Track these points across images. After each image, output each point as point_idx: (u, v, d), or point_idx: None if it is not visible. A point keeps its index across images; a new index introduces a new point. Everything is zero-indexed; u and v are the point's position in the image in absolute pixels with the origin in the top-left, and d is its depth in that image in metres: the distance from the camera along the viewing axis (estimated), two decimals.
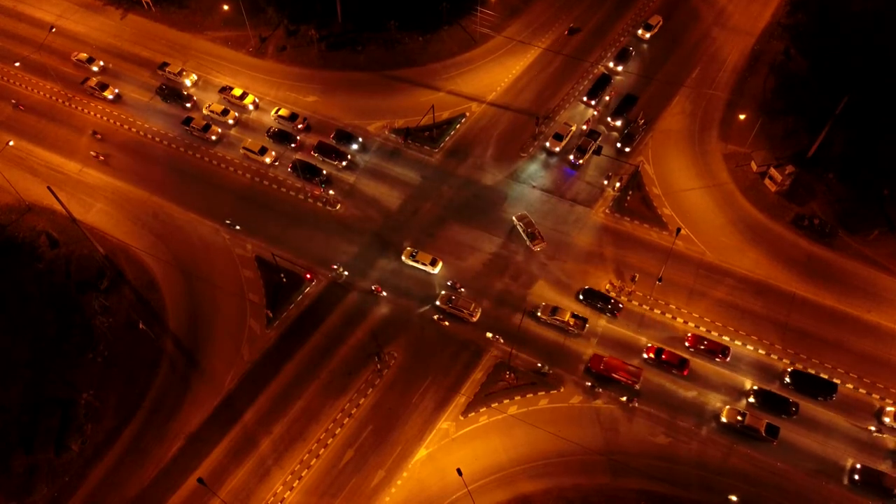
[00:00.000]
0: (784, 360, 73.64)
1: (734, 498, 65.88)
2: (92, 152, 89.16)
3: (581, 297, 77.34)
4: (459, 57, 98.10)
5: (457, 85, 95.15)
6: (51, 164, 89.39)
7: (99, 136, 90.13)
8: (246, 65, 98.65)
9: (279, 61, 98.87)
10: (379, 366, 74.12)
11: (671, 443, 69.84)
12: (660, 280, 76.88)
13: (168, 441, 70.95)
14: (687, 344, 73.98)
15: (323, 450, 70.17)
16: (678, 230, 78.62)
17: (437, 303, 77.17)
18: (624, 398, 71.49)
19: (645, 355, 73.73)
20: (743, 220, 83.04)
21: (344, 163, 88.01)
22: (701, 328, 75.60)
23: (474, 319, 76.25)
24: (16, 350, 73.43)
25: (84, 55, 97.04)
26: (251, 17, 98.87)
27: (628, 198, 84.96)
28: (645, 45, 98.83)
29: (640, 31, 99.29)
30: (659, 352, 73.12)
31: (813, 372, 72.28)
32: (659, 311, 76.89)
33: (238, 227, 74.83)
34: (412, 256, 79.75)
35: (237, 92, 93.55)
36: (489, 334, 75.14)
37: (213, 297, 79.12)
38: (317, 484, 68.58)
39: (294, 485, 68.56)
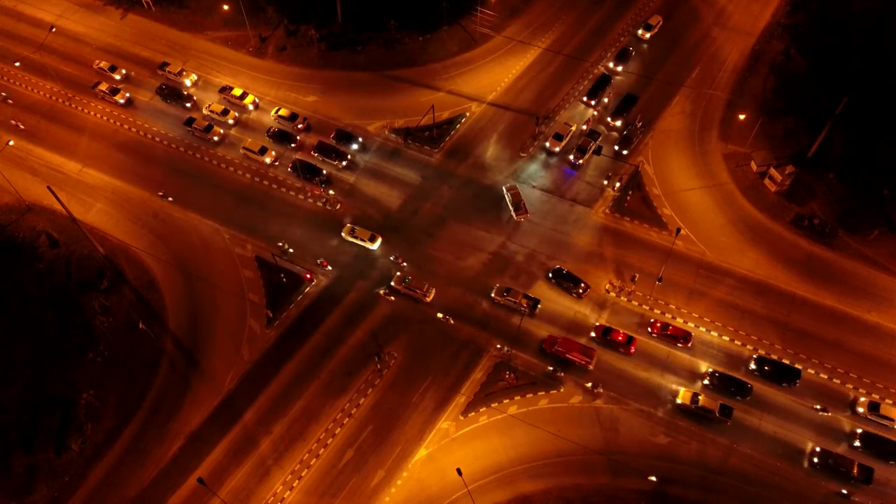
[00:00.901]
0: (748, 347, 73.98)
1: (653, 478, 66.38)
2: (13, 121, 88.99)
3: (550, 276, 78.12)
4: (459, 57, 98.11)
5: (457, 85, 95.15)
6: (51, 164, 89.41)
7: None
8: (246, 65, 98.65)
9: (279, 61, 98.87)
10: (379, 366, 74.13)
11: (671, 442, 69.85)
12: (660, 280, 76.89)
13: (168, 441, 70.95)
14: (650, 330, 74.88)
15: (323, 450, 70.18)
16: (678, 230, 78.61)
17: (392, 283, 78.14)
18: (589, 384, 72.06)
19: (593, 334, 74.65)
20: (743, 220, 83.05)
21: (344, 163, 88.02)
22: (701, 328, 75.64)
23: (428, 300, 77.12)
24: (16, 350, 73.44)
25: (105, 63, 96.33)
26: (251, 17, 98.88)
27: (628, 198, 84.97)
28: (645, 45, 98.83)
29: (640, 31, 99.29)
30: (606, 330, 74.01)
31: (776, 358, 72.95)
32: (659, 312, 76.88)
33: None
34: (352, 233, 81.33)
35: (237, 92, 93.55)
36: (440, 315, 76.07)
37: (213, 297, 79.13)
38: (317, 484, 68.59)
39: (294, 485, 68.57)
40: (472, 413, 71.61)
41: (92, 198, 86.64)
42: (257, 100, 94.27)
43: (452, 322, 76.09)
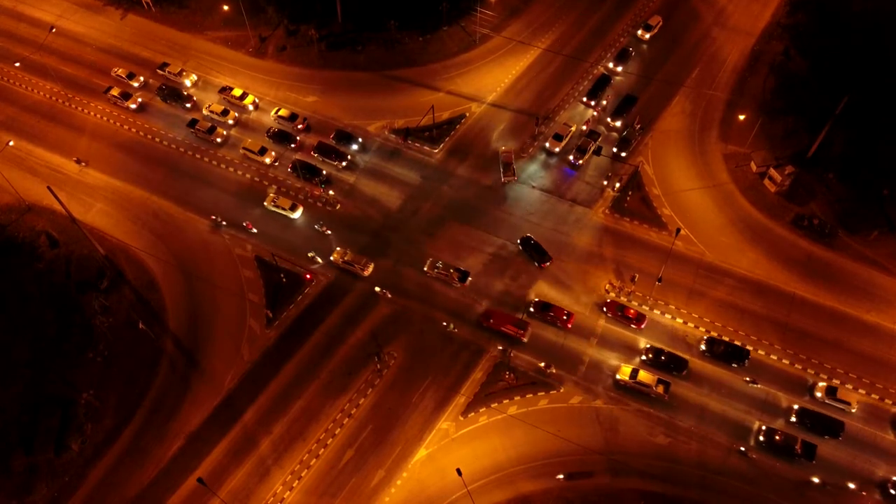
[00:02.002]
0: (712, 333, 74.66)
1: (560, 476, 66.99)
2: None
3: (519, 243, 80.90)
4: (459, 57, 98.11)
5: (457, 85, 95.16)
6: (51, 164, 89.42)
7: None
8: (246, 65, 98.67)
9: (279, 61, 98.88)
10: (379, 366, 74.14)
11: (671, 443, 69.87)
12: (659, 280, 76.89)
13: (168, 441, 70.97)
14: (605, 310, 76.14)
15: (323, 450, 70.20)
16: (678, 230, 78.61)
17: (332, 258, 79.62)
18: (542, 364, 73.32)
19: (532, 309, 76.01)
20: (743, 221, 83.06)
21: (344, 163, 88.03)
22: (700, 328, 75.64)
23: (366, 273, 78.76)
24: (16, 350, 73.49)
25: (123, 71, 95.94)
26: (251, 17, 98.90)
27: (628, 198, 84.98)
28: (645, 46, 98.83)
29: (639, 32, 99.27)
30: (545, 305, 75.62)
31: (727, 339, 73.75)
32: (659, 312, 76.89)
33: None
34: (274, 202, 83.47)
35: (237, 92, 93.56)
36: (377, 289, 77.66)
37: (213, 297, 79.15)
38: (317, 484, 68.61)
39: (294, 485, 68.58)
40: (472, 413, 71.63)
41: (92, 198, 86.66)
42: (257, 100, 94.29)
43: (390, 296, 77.74)
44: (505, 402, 72.17)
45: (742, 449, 68.87)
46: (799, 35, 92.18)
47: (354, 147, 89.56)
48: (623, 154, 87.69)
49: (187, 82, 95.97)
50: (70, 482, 69.49)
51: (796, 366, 73.32)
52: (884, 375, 72.55)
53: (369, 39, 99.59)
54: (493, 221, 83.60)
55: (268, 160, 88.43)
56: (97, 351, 76.07)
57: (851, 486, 67.00)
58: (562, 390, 72.75)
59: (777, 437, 68.33)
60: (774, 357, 73.76)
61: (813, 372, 72.83)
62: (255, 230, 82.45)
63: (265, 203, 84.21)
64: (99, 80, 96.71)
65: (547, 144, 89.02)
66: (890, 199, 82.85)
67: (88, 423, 72.34)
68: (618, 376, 72.30)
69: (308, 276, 79.53)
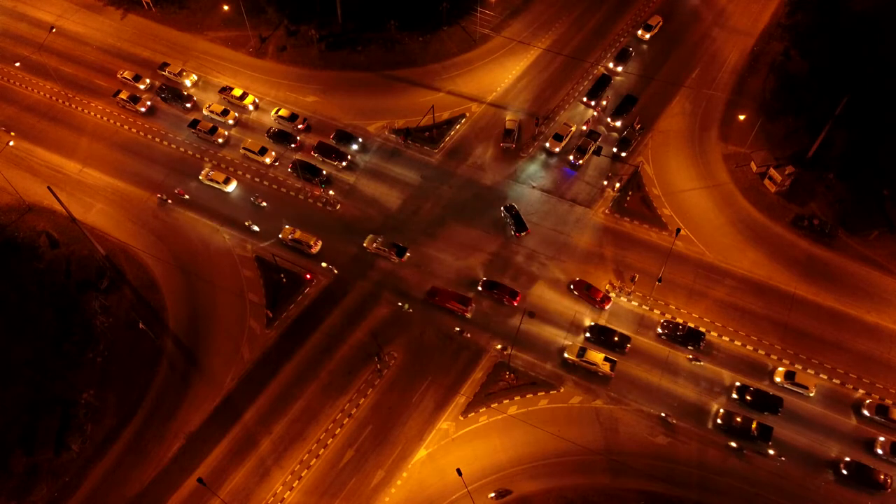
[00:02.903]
0: (748, 347, 74.25)
1: (491, 495, 67.35)
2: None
3: (503, 209, 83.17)
4: (459, 57, 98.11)
5: (457, 85, 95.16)
6: (51, 164, 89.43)
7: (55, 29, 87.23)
8: (246, 65, 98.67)
9: (279, 61, 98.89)
10: (379, 366, 74.14)
11: (671, 443, 69.88)
12: (660, 280, 76.86)
13: (168, 441, 71.00)
14: (572, 287, 77.61)
15: (323, 450, 70.20)
16: (678, 230, 78.64)
17: (280, 236, 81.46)
18: (500, 346, 74.45)
19: (479, 287, 77.52)
20: (743, 221, 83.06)
21: (344, 163, 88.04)
22: (700, 328, 75.66)
23: (314, 251, 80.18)
24: (16, 349, 73.40)
25: (129, 73, 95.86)
26: (251, 17, 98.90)
27: (628, 198, 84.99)
28: (645, 46, 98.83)
29: (640, 32, 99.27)
30: (492, 284, 77.31)
31: (681, 321, 75.15)
32: (659, 312, 76.89)
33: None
34: (208, 176, 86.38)
35: (237, 92, 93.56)
36: (324, 264, 79.46)
37: (213, 297, 79.15)
38: (317, 484, 68.61)
39: (294, 485, 68.58)
40: (472, 413, 71.64)
41: (92, 198, 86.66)
42: (257, 100, 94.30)
43: (336, 272, 79.53)
44: (505, 402, 72.18)
45: (669, 419, 70.53)
46: (799, 35, 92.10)
47: (354, 147, 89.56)
48: (623, 154, 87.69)
49: (187, 82, 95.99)
50: (70, 482, 69.52)
51: (759, 351, 74.32)
52: (884, 375, 72.57)
53: (369, 40, 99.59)
54: (494, 221, 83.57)
55: (268, 160, 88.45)
56: (97, 351, 76.08)
57: (805, 466, 68.33)
58: (562, 390, 72.76)
59: (737, 420, 69.34)
60: (737, 343, 74.76)
61: (766, 354, 74.01)
62: (186, 196, 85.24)
63: (199, 177, 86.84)
64: (99, 81, 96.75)
65: (547, 144, 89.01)
66: (890, 199, 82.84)
67: (88, 423, 72.35)
68: (566, 355, 73.31)
69: (308, 276, 79.55)
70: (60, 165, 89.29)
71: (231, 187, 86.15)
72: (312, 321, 77.28)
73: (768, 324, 75.82)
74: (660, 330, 74.90)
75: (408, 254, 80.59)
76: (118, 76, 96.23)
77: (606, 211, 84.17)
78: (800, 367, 72.92)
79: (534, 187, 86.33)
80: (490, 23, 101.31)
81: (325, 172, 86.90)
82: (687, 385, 72.64)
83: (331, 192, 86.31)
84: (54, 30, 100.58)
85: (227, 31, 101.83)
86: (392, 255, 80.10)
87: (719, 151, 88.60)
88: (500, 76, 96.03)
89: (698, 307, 77.09)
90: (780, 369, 72.19)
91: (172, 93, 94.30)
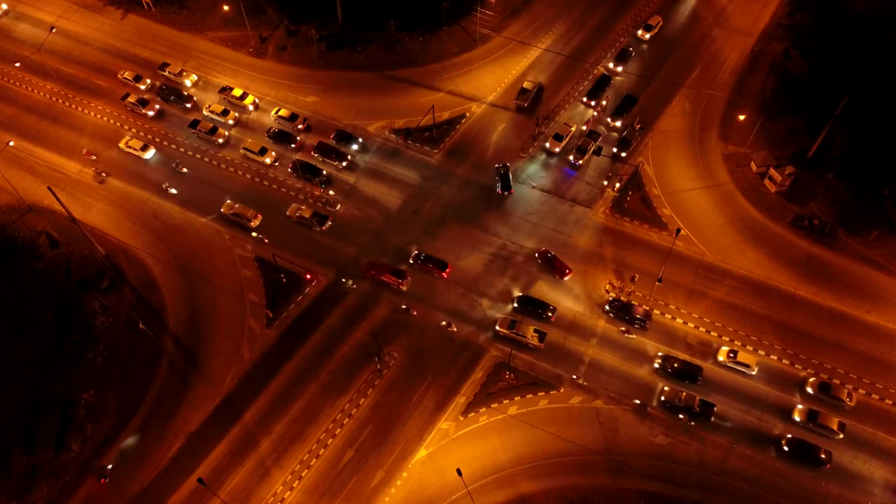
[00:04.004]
0: (612, 294, 74.17)
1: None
2: (84, 151, 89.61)
3: (497, 167, 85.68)
4: (459, 57, 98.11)
5: (457, 85, 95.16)
6: (51, 164, 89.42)
7: (94, 157, 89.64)
8: (246, 65, 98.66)
9: (279, 61, 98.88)
10: (379, 366, 74.14)
11: (671, 443, 69.89)
12: (660, 280, 76.84)
13: (168, 441, 70.99)
14: (537, 255, 79.88)
15: (323, 450, 70.20)
16: (678, 230, 78.65)
17: (222, 210, 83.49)
18: (404, 306, 76.99)
19: (411, 260, 79.85)
20: (743, 221, 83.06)
21: (344, 163, 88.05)
22: (701, 328, 75.66)
23: (253, 224, 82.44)
24: (16, 349, 73.38)
25: (130, 74, 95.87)
26: (251, 17, 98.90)
27: (628, 198, 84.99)
28: (645, 46, 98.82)
29: (640, 32, 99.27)
30: (426, 258, 79.70)
31: (626, 300, 76.86)
32: (658, 312, 76.90)
33: (354, 286, 79.26)
34: (126, 144, 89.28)
35: (237, 92, 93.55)
36: (254, 234, 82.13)
37: (213, 297, 79.16)
38: (317, 484, 68.62)
39: (294, 485, 68.59)
40: (472, 413, 71.65)
41: (92, 198, 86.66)
42: (257, 100, 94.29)
43: (266, 241, 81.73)
44: (505, 402, 72.18)
45: (641, 404, 71.54)
46: (799, 35, 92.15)
47: (355, 147, 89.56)
48: (623, 154, 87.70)
49: (187, 82, 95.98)
50: (70, 482, 69.49)
51: (700, 328, 75.69)
52: (884, 375, 72.57)
53: (369, 40, 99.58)
54: (493, 221, 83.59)
55: (268, 160, 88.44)
56: (97, 351, 76.08)
57: (749, 443, 69.66)
58: (562, 390, 72.79)
59: (679, 400, 70.45)
60: (683, 322, 76.31)
61: (706, 332, 75.42)
62: (94, 157, 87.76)
63: (119, 144, 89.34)
64: (99, 81, 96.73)
65: (547, 144, 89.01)
66: (890, 199, 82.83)
67: (88, 423, 72.35)
68: (497, 328, 74.59)
69: (308, 276, 79.56)
70: (60, 165, 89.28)
71: (149, 154, 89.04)
72: (312, 321, 77.29)
73: (768, 324, 75.82)
74: (607, 307, 76.43)
75: (329, 222, 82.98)
76: (118, 76, 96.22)
77: (606, 211, 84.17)
78: (740, 345, 74.51)
79: (534, 187, 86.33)
80: (490, 23, 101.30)
81: (325, 172, 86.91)
82: (614, 355, 74.22)
83: (331, 192, 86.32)
84: (54, 30, 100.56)
85: (227, 31, 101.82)
86: (315, 224, 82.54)
87: (719, 151, 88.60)
88: (500, 76, 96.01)
89: (698, 307, 77.08)
90: (724, 348, 73.45)
91: (173, 93, 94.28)
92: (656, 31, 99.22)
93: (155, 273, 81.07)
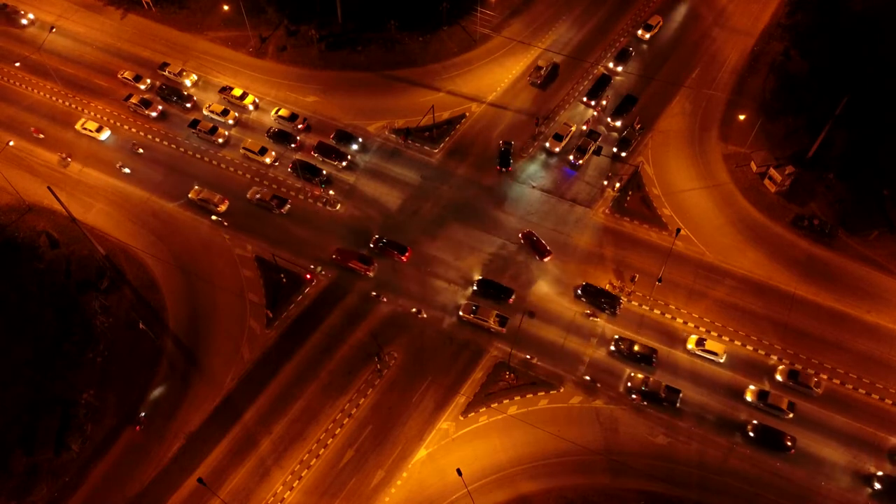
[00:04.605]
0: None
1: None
2: (32, 129, 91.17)
3: (501, 143, 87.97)
4: (459, 57, 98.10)
5: (457, 85, 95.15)
6: (51, 164, 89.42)
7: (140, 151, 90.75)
8: (246, 65, 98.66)
9: (279, 61, 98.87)
10: (379, 366, 74.14)
11: (671, 443, 69.89)
12: (660, 280, 76.88)
13: (168, 441, 70.98)
14: (520, 235, 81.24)
15: (323, 450, 70.21)
16: (678, 230, 78.65)
17: (189, 196, 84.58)
18: (374, 293, 78.13)
19: (371, 244, 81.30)
20: (743, 221, 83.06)
21: (344, 163, 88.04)
22: (701, 328, 75.67)
23: (221, 209, 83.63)
24: (16, 349, 73.38)
25: (129, 73, 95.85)
26: (251, 17, 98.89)
27: (628, 198, 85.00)
28: (645, 45, 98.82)
29: (640, 32, 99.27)
30: (386, 242, 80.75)
31: (494, 281, 78.35)
32: (659, 312, 76.90)
33: (322, 272, 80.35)
34: (83, 126, 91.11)
35: (237, 92, 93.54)
36: (214, 217, 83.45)
37: (213, 297, 79.15)
38: (317, 484, 68.62)
39: (294, 485, 68.59)
40: (472, 413, 71.65)
41: (92, 198, 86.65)
42: (257, 100, 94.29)
43: (226, 224, 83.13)
44: (505, 402, 72.18)
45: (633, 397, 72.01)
46: (799, 35, 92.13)
47: (354, 147, 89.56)
48: (623, 154, 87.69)
49: (187, 82, 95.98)
50: (70, 482, 69.49)
51: (666, 315, 76.37)
52: (884, 375, 72.57)
53: (369, 40, 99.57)
54: (493, 221, 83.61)
55: (268, 160, 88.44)
56: (97, 351, 76.07)
57: (716, 429, 70.55)
58: (562, 390, 72.79)
59: (645, 386, 71.18)
60: (657, 311, 77.00)
61: (672, 318, 76.12)
62: (41, 136, 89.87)
63: (76, 126, 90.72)
64: (99, 81, 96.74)
65: (547, 144, 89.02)
66: (890, 199, 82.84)
67: (88, 423, 72.34)
68: (460, 313, 75.74)
69: (308, 276, 79.57)
70: (60, 165, 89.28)
71: (104, 136, 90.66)
72: (312, 321, 77.28)
73: (768, 324, 75.83)
74: (579, 292, 77.39)
75: (288, 205, 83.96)
76: (118, 76, 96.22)
77: (606, 211, 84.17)
78: (704, 331, 75.41)
79: (534, 187, 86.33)
80: (490, 23, 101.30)
81: (325, 172, 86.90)
82: (576, 338, 75.27)
83: (331, 192, 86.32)
84: (54, 30, 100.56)
85: (227, 31, 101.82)
86: (274, 206, 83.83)
87: (719, 151, 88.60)
88: (500, 76, 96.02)
89: (698, 307, 77.09)
90: (693, 336, 74.22)
91: (173, 93, 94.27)
92: (656, 30, 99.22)
93: (155, 273, 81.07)
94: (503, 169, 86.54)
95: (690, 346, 73.88)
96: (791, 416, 69.85)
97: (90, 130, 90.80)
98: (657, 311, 76.70)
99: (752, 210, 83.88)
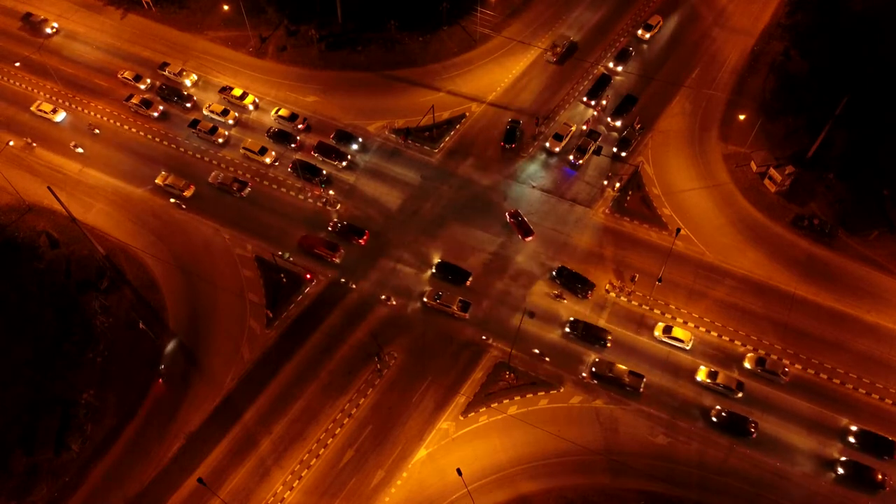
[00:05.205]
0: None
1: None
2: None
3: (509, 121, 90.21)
4: (459, 57, 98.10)
5: (457, 85, 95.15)
6: (51, 164, 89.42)
7: (97, 131, 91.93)
8: (246, 65, 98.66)
9: (279, 61, 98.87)
10: (379, 366, 74.14)
11: (671, 443, 69.90)
12: (660, 280, 76.89)
13: (168, 441, 70.99)
14: (507, 214, 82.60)
15: (323, 450, 70.21)
16: (678, 230, 78.65)
17: (157, 181, 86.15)
18: (343, 279, 78.42)
19: (329, 228, 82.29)
20: (743, 221, 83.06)
21: (344, 163, 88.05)
22: (701, 328, 75.68)
23: (187, 194, 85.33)
24: (16, 349, 73.40)
25: (130, 73, 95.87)
26: (251, 17, 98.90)
27: (628, 198, 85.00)
28: (645, 45, 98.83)
29: (640, 32, 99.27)
30: (345, 225, 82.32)
31: (452, 263, 79.72)
32: (659, 312, 76.91)
33: (290, 258, 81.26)
34: (38, 108, 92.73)
35: (237, 92, 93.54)
36: (172, 200, 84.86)
37: (213, 297, 79.15)
38: (317, 484, 68.62)
39: (294, 485, 68.59)
40: (472, 413, 71.65)
41: (92, 198, 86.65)
42: (257, 100, 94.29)
43: (184, 207, 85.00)
44: (505, 402, 72.18)
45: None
46: (799, 35, 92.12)
47: (354, 147, 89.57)
48: (623, 154, 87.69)
49: (187, 82, 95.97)
50: (70, 482, 69.49)
51: (643, 307, 77.15)
52: (884, 375, 72.58)
53: (369, 40, 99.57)
54: (494, 221, 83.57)
55: (268, 160, 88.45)
56: (97, 351, 76.06)
57: (682, 416, 71.35)
58: (562, 390, 72.79)
59: (608, 371, 72.34)
60: (624, 299, 77.98)
61: (648, 308, 76.94)
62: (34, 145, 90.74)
63: (31, 108, 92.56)
64: (99, 80, 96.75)
65: (547, 144, 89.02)
66: (890, 199, 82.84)
67: (88, 423, 72.34)
68: (425, 299, 76.92)
69: (308, 276, 79.58)
70: (60, 165, 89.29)
71: (60, 117, 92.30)
72: (312, 321, 77.28)
73: (768, 324, 75.83)
74: (554, 273, 78.46)
75: (248, 188, 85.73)
76: (118, 76, 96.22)
77: (606, 211, 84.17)
78: (671, 318, 76.29)
79: (534, 187, 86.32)
80: (490, 23, 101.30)
81: (325, 172, 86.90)
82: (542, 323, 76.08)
83: (331, 192, 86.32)
84: (54, 30, 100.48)
85: (227, 30, 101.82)
86: (234, 190, 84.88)
87: (719, 151, 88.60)
88: (500, 76, 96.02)
89: (698, 307, 77.10)
90: (660, 324, 75.17)
91: (173, 93, 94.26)
92: (656, 30, 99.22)
93: (155, 273, 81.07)
94: (507, 145, 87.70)
95: (657, 333, 74.85)
96: (740, 395, 71.20)
97: (45, 112, 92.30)
98: (623, 299, 77.67)
99: (752, 210, 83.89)
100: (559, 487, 67.98)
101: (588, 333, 74.64)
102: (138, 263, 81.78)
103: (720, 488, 67.71)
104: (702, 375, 72.29)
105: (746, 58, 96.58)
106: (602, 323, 76.12)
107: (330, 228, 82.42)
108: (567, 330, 75.32)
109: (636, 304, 77.34)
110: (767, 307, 76.82)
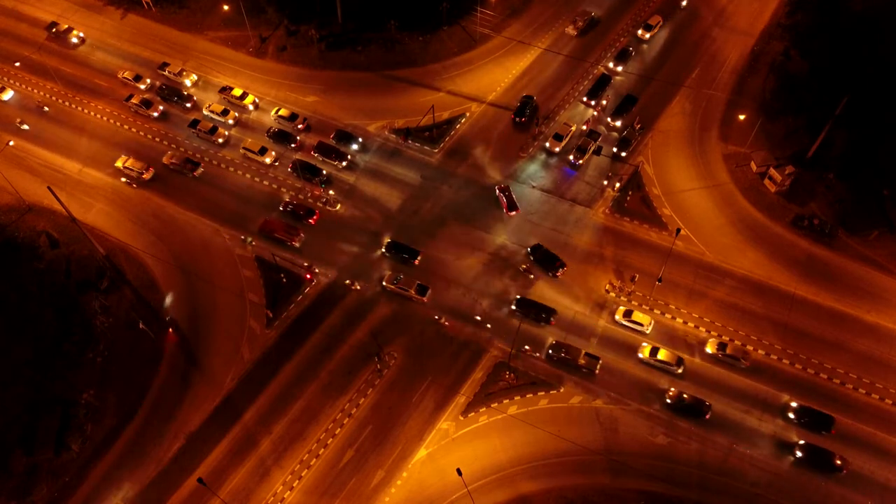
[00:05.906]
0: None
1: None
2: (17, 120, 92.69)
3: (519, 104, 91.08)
4: (459, 57, 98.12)
5: (457, 85, 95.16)
6: (51, 164, 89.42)
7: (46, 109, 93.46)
8: (246, 65, 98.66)
9: (279, 61, 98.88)
10: (379, 366, 74.14)
11: (671, 443, 69.90)
12: (660, 280, 76.87)
13: (168, 441, 70.99)
14: (496, 188, 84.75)
15: (323, 450, 70.21)
16: (678, 230, 78.65)
17: (116, 165, 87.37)
18: (305, 263, 79.98)
19: (281, 207, 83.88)
20: (743, 221, 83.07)
21: (344, 163, 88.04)
22: (701, 328, 75.67)
23: (146, 178, 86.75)
24: (16, 349, 73.40)
25: (129, 73, 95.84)
26: (251, 17, 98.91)
27: (628, 198, 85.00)
28: (645, 45, 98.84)
29: (640, 31, 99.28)
30: (296, 205, 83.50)
31: (403, 243, 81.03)
32: (658, 312, 76.91)
33: (252, 242, 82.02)
34: (3, 93, 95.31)
35: (237, 92, 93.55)
36: (124, 179, 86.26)
37: (213, 297, 79.15)
38: (317, 484, 68.62)
39: (294, 485, 68.59)
40: (472, 413, 71.65)
41: (92, 198, 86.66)
42: (257, 100, 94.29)
43: (135, 186, 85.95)
44: (505, 402, 72.18)
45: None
46: (799, 35, 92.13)
47: (355, 147, 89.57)
48: (623, 154, 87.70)
49: (187, 82, 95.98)
50: (70, 482, 69.49)
51: (606, 289, 78.47)
52: (884, 375, 72.57)
53: (369, 40, 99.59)
54: (493, 221, 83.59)
55: (268, 160, 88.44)
56: (97, 351, 76.07)
57: (637, 398, 72.36)
58: (562, 390, 72.79)
59: (563, 353, 73.41)
60: (625, 299, 78.35)
61: (615, 296, 77.98)
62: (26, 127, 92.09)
63: (1, 95, 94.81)
64: (99, 80, 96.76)
65: (547, 144, 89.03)
66: (890, 199, 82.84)
67: (88, 423, 72.35)
68: (384, 283, 78.49)
69: (308, 276, 79.57)
70: (60, 165, 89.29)
71: (7, 96, 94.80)
72: (312, 321, 77.29)
73: (768, 324, 75.83)
74: (528, 250, 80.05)
75: (201, 168, 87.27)
76: (118, 76, 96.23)
77: (606, 211, 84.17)
78: (634, 304, 77.37)
79: (534, 187, 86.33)
80: (490, 23, 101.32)
81: (325, 172, 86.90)
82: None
83: (331, 192, 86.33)
84: (55, 30, 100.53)
85: (227, 30, 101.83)
86: (188, 170, 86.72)
87: (719, 151, 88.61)
88: (500, 76, 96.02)
89: (698, 307, 77.10)
90: (621, 308, 76.27)
91: (173, 93, 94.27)
92: (656, 30, 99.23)
93: (155, 273, 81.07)
94: (518, 119, 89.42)
95: (618, 316, 75.74)
96: (680, 370, 72.57)
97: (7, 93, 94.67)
98: (590, 285, 78.58)
99: (752, 210, 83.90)
100: (559, 487, 67.99)
101: (534, 312, 75.90)
102: (138, 263, 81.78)
103: (720, 488, 67.68)
104: (643, 353, 73.50)
105: (746, 58, 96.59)
106: (602, 323, 76.00)
107: (281, 209, 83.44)
108: (514, 308, 76.70)
109: (604, 291, 78.09)
110: (767, 307, 76.82)
